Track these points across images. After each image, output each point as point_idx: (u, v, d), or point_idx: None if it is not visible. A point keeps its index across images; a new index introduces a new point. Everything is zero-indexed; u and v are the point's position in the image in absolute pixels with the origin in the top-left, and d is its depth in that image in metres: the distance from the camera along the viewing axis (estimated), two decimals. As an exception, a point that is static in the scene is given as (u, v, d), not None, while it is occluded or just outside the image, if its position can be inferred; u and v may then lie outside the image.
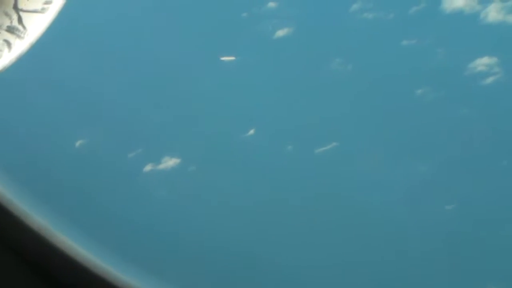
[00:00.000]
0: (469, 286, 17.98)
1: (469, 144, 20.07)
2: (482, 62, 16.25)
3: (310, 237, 17.06)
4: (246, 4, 21.99)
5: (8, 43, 2.52)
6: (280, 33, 19.53)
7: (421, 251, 17.75)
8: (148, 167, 16.48)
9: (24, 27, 2.52)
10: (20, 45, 2.55)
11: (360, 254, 16.18)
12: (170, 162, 16.63)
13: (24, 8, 2.63)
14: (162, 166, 16.90)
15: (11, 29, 2.52)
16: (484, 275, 18.55)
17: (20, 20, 2.53)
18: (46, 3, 2.56)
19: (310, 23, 21.68)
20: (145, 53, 19.47)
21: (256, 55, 19.71)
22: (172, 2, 22.88)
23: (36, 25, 2.65)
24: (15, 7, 2.48)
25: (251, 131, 17.26)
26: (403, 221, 17.95)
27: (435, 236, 17.37)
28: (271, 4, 23.58)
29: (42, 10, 2.55)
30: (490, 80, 19.89)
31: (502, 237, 18.55)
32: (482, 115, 17.51)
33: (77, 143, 16.98)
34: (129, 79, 18.01)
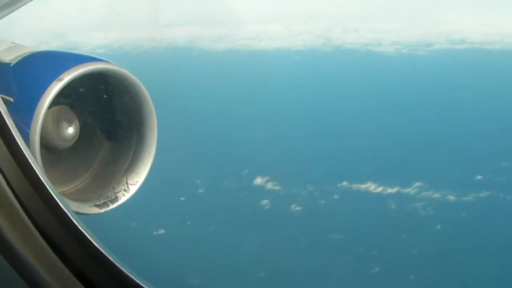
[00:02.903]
0: None
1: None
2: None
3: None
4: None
5: (123, 194, 4.36)
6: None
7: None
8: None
9: (129, 188, 4.36)
10: (127, 195, 4.39)
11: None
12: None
13: (129, 182, 4.46)
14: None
15: (124, 189, 4.35)
16: None
17: (127, 186, 4.37)
18: (137, 181, 4.47)
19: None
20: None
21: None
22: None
23: (133, 187, 4.46)
24: (126, 182, 4.34)
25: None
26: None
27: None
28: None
29: (136, 183, 4.43)
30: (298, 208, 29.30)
31: None
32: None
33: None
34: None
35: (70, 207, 3.97)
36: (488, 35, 51.42)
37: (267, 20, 55.00)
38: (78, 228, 2.57)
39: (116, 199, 4.36)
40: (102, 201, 4.36)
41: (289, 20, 55.19)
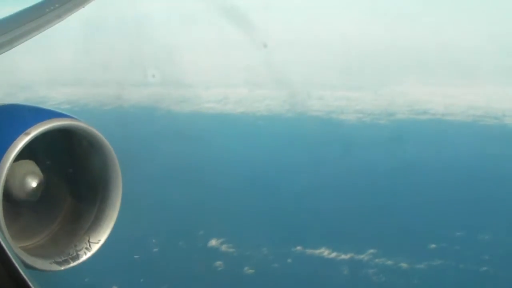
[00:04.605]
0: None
1: None
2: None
3: None
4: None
5: (85, 253, 4.21)
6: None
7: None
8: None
9: (90, 246, 4.22)
10: (89, 254, 4.25)
11: None
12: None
13: (91, 241, 4.32)
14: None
15: (86, 248, 4.21)
16: None
17: (89, 244, 4.23)
18: (99, 240, 4.32)
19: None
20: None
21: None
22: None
23: (95, 246, 4.31)
24: (88, 240, 4.20)
25: None
26: None
27: None
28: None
29: (97, 242, 4.30)
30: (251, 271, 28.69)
31: None
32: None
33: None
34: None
35: (28, 262, 3.84)
36: (450, 106, 52.15)
37: (234, 84, 55.24)
38: (29, 285, 2.51)
39: (77, 257, 4.22)
40: (63, 258, 4.19)
41: (255, 84, 55.48)
